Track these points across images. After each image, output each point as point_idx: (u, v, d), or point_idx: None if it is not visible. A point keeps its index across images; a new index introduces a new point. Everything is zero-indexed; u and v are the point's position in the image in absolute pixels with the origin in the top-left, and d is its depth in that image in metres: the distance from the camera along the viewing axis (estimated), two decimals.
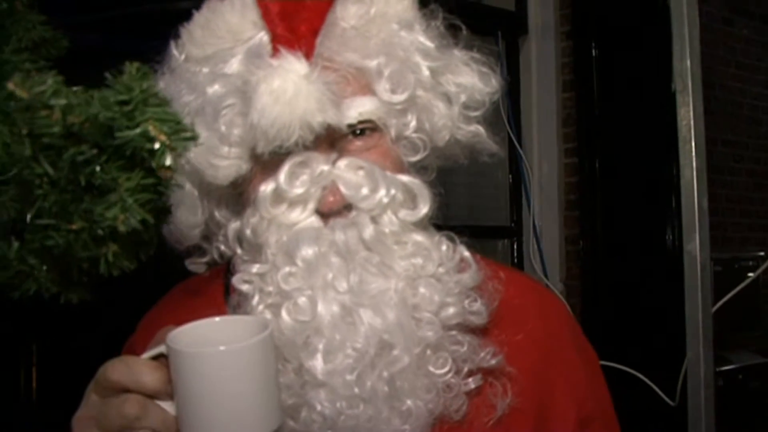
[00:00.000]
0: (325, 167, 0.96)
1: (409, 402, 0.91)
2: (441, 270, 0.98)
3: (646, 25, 2.89)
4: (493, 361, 0.97)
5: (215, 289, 1.09)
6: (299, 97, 0.91)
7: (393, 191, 0.97)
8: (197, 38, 1.03)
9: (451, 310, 0.96)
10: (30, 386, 2.34)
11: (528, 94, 3.30)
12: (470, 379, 0.96)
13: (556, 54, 3.29)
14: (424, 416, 0.92)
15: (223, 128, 0.98)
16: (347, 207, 0.97)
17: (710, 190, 1.76)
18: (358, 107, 0.98)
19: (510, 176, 3.29)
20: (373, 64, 0.99)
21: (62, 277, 0.71)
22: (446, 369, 0.94)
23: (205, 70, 1.01)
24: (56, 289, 0.71)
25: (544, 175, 3.28)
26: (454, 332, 0.96)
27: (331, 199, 0.97)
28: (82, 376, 0.86)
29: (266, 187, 0.97)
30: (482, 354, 0.97)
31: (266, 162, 0.98)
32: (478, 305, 0.98)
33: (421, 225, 1.00)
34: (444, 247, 1.00)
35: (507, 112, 3.17)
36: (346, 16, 1.00)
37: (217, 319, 0.85)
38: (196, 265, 1.14)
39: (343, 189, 0.96)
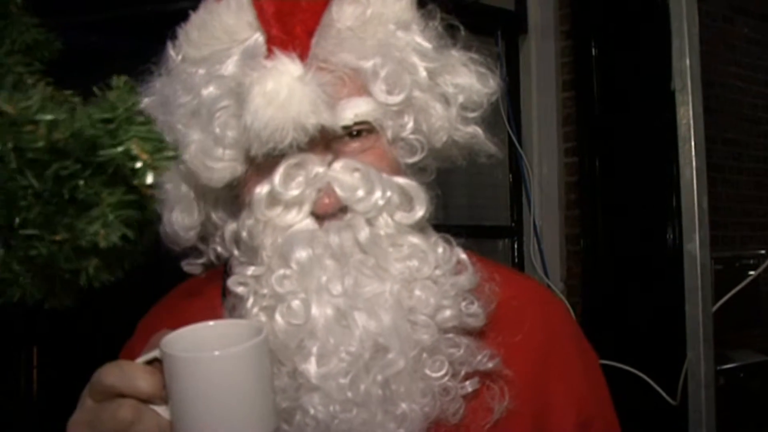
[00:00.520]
0: (321, 169, 0.96)
1: (403, 406, 0.90)
2: (437, 272, 0.97)
3: (646, 24, 2.89)
4: (490, 364, 0.97)
5: (212, 291, 1.08)
6: (292, 99, 0.90)
7: (389, 193, 0.96)
8: (194, 39, 1.03)
9: (448, 313, 0.95)
10: (30, 388, 2.34)
11: (528, 93, 3.30)
12: (467, 382, 0.95)
13: (556, 53, 3.29)
14: (419, 420, 0.91)
15: (217, 130, 0.97)
16: (343, 209, 0.97)
17: (710, 188, 1.76)
18: (353, 108, 0.97)
19: (510, 176, 3.29)
20: (368, 64, 0.98)
21: (46, 284, 0.71)
22: (443, 372, 0.94)
23: (201, 71, 1.01)
24: (40, 296, 0.71)
25: (545, 174, 3.28)
26: (450, 335, 0.96)
27: (327, 201, 0.96)
28: (83, 378, 0.85)
29: (261, 189, 0.96)
30: (479, 357, 0.96)
31: (261, 164, 0.97)
32: (474, 307, 0.98)
33: (417, 227, 1.00)
34: (440, 249, 0.99)
35: (507, 111, 3.17)
36: (341, 17, 0.99)
37: (211, 323, 0.85)
38: (193, 266, 1.13)
39: (338, 191, 0.96)
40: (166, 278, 1.17)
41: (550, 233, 3.25)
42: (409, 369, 0.91)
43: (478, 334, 0.99)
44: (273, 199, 0.96)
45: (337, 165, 0.97)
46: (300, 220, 0.96)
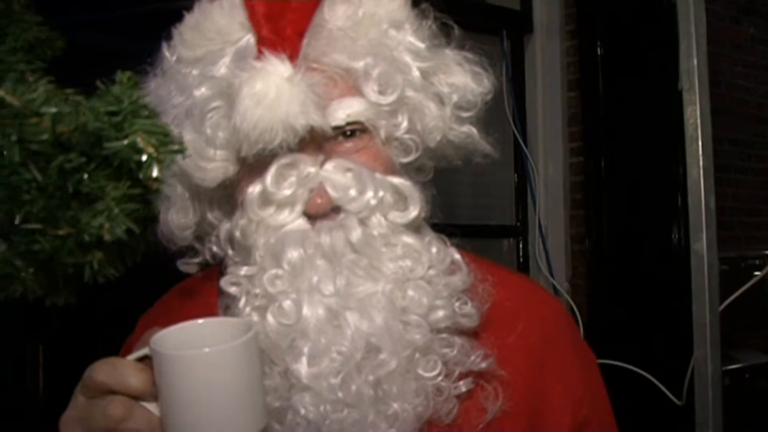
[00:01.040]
0: (312, 169, 0.96)
1: (395, 406, 0.90)
2: (431, 272, 0.97)
3: (652, 24, 2.88)
4: (483, 364, 0.96)
5: (209, 290, 1.08)
6: (281, 100, 0.90)
7: (381, 193, 0.96)
8: (188, 40, 1.03)
9: (441, 313, 0.95)
10: (36, 386, 2.34)
11: (533, 93, 3.29)
12: (461, 383, 0.95)
13: (562, 53, 3.27)
14: (412, 420, 0.91)
15: (209, 131, 0.98)
16: (335, 209, 0.97)
17: (717, 188, 1.76)
18: (345, 108, 0.97)
19: (515, 175, 3.28)
20: (360, 65, 0.98)
21: (48, 280, 0.71)
22: (436, 372, 0.93)
23: (195, 72, 1.01)
24: (42, 292, 0.72)
25: (550, 174, 3.27)
26: (444, 335, 0.95)
27: (319, 201, 0.96)
28: None
29: (254, 189, 0.97)
30: (473, 357, 0.96)
31: (253, 164, 0.97)
32: (468, 308, 0.98)
33: (411, 227, 0.99)
34: (434, 250, 0.99)
35: (512, 111, 3.16)
36: (333, 17, 0.99)
37: (200, 321, 0.85)
38: (188, 265, 1.14)
39: (330, 191, 0.96)
40: (173, 277, 1.18)
41: (555, 233, 3.24)
42: (402, 369, 0.91)
43: (472, 334, 0.98)
44: (265, 199, 0.96)
45: (330, 165, 0.97)
46: (292, 220, 0.96)
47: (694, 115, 1.70)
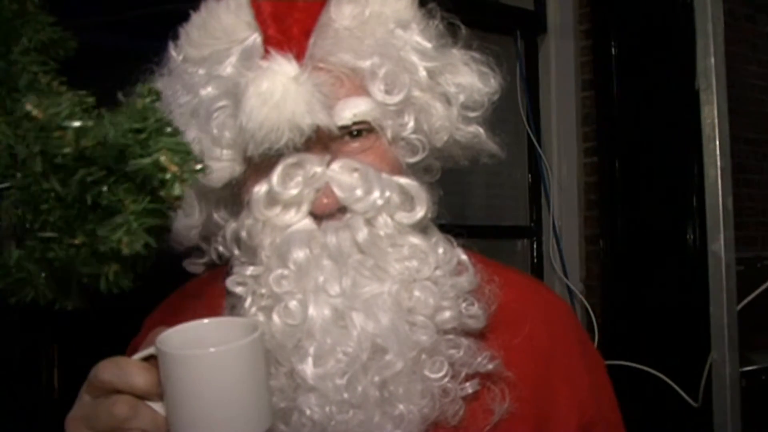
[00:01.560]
0: (319, 169, 0.95)
1: (401, 407, 0.90)
2: (437, 273, 0.96)
3: (666, 23, 2.87)
4: (490, 366, 0.96)
5: (215, 290, 1.08)
6: (287, 99, 0.90)
7: (388, 193, 0.96)
8: (194, 39, 1.03)
9: (447, 314, 0.95)
10: (51, 385, 2.36)
11: (547, 93, 3.28)
12: (467, 384, 0.95)
13: (576, 53, 3.27)
14: (418, 421, 0.90)
15: (215, 131, 0.97)
16: (342, 209, 0.96)
17: (733, 189, 1.74)
18: (352, 108, 0.97)
19: (529, 176, 3.27)
20: (367, 64, 0.97)
21: (60, 286, 0.71)
22: (442, 373, 0.93)
23: (201, 71, 1.01)
24: (53, 297, 0.72)
25: (564, 174, 3.26)
26: (450, 336, 0.95)
27: (325, 201, 0.96)
28: None
29: (260, 189, 0.96)
30: (479, 358, 0.95)
31: (260, 164, 0.97)
32: (475, 309, 0.97)
33: (418, 227, 0.99)
34: (441, 250, 0.99)
35: (526, 111, 3.16)
36: (340, 17, 0.99)
37: (206, 320, 0.85)
38: (194, 265, 1.14)
39: (336, 191, 0.96)
40: (179, 277, 1.18)
41: (569, 233, 3.23)
42: (408, 370, 0.91)
43: (479, 335, 0.98)
44: (271, 198, 0.96)
45: (336, 165, 0.97)
46: (298, 220, 0.96)
47: (712, 114, 1.69)
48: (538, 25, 3.27)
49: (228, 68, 0.98)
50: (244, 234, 0.98)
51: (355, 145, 0.99)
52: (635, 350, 2.72)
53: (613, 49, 3.08)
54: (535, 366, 1.04)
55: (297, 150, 0.94)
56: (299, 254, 0.93)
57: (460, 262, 1.00)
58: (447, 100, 1.04)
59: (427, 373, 0.93)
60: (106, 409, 0.79)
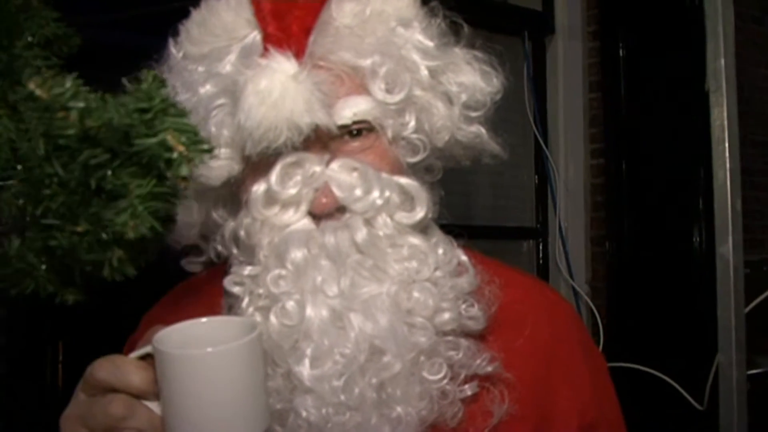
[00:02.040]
0: (318, 168, 0.95)
1: (399, 409, 0.89)
2: (437, 274, 0.96)
3: (673, 25, 2.86)
4: (489, 368, 0.95)
5: (213, 289, 1.07)
6: (286, 98, 0.89)
7: (387, 193, 0.95)
8: (194, 36, 1.02)
9: (446, 316, 0.94)
10: (56, 382, 2.37)
11: (554, 94, 3.27)
12: (466, 386, 0.94)
13: (583, 54, 3.26)
14: (415, 423, 0.90)
15: (213, 129, 0.97)
16: (340, 209, 0.96)
17: (741, 191, 1.73)
18: (352, 107, 0.96)
19: (536, 177, 3.27)
20: (367, 63, 0.96)
21: (60, 277, 0.70)
22: (441, 375, 0.92)
23: (201, 68, 1.00)
24: (53, 289, 0.71)
25: (570, 176, 3.25)
26: (450, 337, 0.94)
27: (324, 200, 0.95)
28: None
29: (258, 188, 0.96)
30: (479, 360, 0.94)
31: (258, 163, 0.96)
32: (474, 310, 0.96)
33: (418, 227, 0.98)
34: (441, 251, 0.98)
35: (533, 112, 3.15)
36: (340, 15, 0.98)
37: (204, 319, 0.84)
38: (193, 264, 1.13)
39: (335, 190, 0.95)
40: (177, 275, 1.18)
41: (575, 235, 3.23)
42: (406, 372, 0.90)
43: (478, 337, 0.97)
44: (270, 197, 0.95)
45: (335, 164, 0.96)
46: (297, 219, 0.95)
47: (721, 116, 1.68)
48: (545, 26, 3.27)
49: (227, 66, 0.98)
50: (242, 233, 0.98)
51: (355, 144, 0.98)
52: (641, 352, 2.71)
53: (620, 51, 3.08)
54: (536, 367, 1.03)
55: (296, 149, 0.93)
56: (297, 254, 0.92)
57: (460, 263, 0.99)
58: (449, 100, 1.03)
59: (425, 374, 0.92)
60: (101, 408, 0.79)
